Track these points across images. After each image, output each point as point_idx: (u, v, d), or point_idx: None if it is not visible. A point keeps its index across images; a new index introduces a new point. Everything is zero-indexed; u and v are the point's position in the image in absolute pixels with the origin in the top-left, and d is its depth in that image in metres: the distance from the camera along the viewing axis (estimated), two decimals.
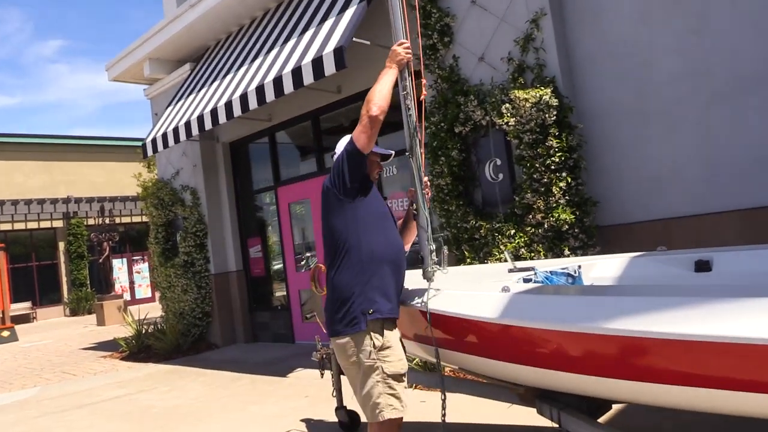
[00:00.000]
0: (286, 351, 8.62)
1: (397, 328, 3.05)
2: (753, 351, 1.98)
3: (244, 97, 7.01)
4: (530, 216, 5.52)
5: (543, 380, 2.56)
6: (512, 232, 5.62)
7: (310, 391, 5.96)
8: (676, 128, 5.23)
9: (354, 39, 6.02)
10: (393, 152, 3.31)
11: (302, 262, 9.22)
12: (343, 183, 3.01)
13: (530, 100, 5.44)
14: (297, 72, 6.34)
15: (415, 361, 5.43)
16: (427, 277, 3.15)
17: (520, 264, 3.38)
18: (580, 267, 3.35)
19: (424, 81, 3.48)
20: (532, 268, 3.21)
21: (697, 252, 3.19)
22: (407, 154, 3.26)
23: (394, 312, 3.01)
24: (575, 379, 2.42)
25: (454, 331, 2.85)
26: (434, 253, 3.18)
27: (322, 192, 3.12)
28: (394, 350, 2.95)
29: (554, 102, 5.38)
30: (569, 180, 5.39)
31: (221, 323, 9.91)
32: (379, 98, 2.91)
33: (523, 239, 5.56)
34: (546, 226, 5.42)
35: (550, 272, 3.25)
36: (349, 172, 2.97)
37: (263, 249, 9.96)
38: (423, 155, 3.25)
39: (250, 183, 10.18)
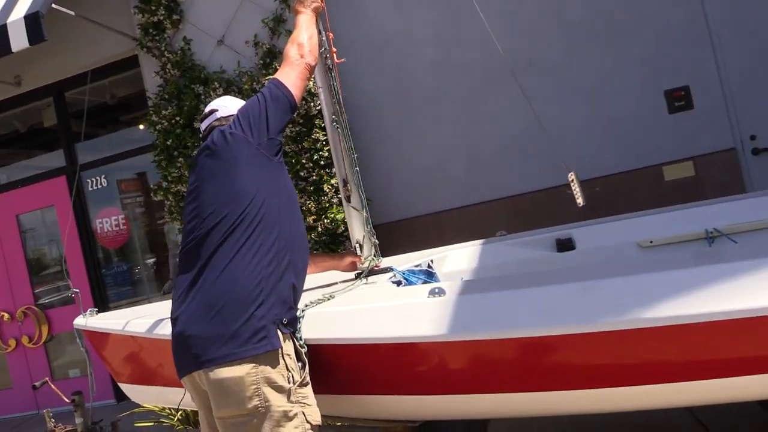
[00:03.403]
0: None
1: None
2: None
3: None
4: None
5: (463, 407, 1.90)
6: None
7: None
8: (439, 120, 5.09)
9: (53, 5, 4.55)
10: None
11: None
12: (265, 131, 2.04)
13: None
14: None
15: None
16: (366, 269, 2.50)
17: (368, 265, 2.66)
18: (432, 261, 2.80)
19: (331, 35, 2.68)
20: (390, 268, 2.54)
21: (551, 231, 2.90)
22: (333, 123, 2.63)
23: (298, 326, 2.03)
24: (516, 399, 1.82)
25: (334, 366, 2.01)
26: (373, 241, 2.45)
27: (212, 144, 2.06)
28: (310, 389, 1.94)
29: (317, 89, 4.77)
30: None
31: None
32: (313, 46, 2.28)
33: None
34: (320, 229, 4.78)
35: (408, 271, 2.63)
36: (274, 119, 2.08)
37: None
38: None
39: None
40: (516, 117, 4.89)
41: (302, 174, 4.79)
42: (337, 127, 2.62)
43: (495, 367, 1.73)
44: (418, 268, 2.71)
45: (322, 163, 4.77)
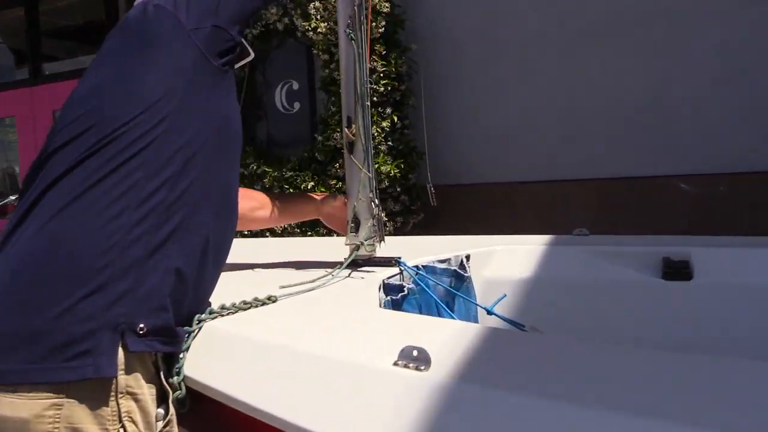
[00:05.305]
0: None
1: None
2: None
3: None
4: (337, 165, 3.96)
5: None
6: (310, 185, 4.00)
7: None
8: (531, 70, 4.05)
9: None
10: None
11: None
12: (211, 12, 1.15)
13: None
14: None
15: None
16: (353, 258, 1.52)
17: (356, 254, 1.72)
18: (467, 258, 1.85)
19: None
20: (397, 261, 1.62)
21: (658, 244, 1.88)
22: (347, 31, 1.54)
23: (179, 345, 1.08)
24: None
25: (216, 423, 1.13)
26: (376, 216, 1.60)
27: (124, 20, 1.19)
28: None
29: (385, 7, 3.82)
30: (394, 119, 3.93)
31: None
32: None
33: None
34: None
35: (425, 268, 1.70)
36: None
37: None
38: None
39: None
40: (628, 79, 3.79)
41: None
42: (351, 38, 1.63)
43: None
44: (443, 266, 1.77)
45: (375, 99, 3.85)
